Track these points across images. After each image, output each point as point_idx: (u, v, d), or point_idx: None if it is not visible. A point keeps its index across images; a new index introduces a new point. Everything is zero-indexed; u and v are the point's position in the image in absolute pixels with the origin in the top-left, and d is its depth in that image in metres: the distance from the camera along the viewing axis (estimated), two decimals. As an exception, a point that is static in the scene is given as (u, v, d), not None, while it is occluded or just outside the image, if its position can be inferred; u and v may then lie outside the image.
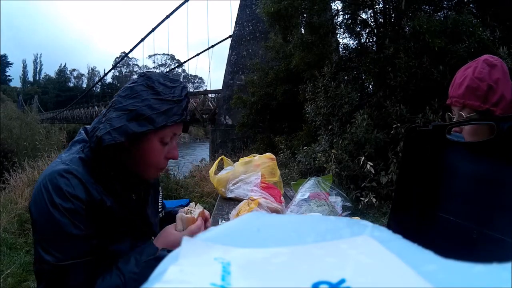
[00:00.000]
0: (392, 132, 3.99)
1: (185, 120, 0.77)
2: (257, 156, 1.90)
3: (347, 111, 4.60)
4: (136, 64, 53.55)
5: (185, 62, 39.71)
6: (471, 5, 4.88)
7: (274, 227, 0.28)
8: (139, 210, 0.80)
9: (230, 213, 1.47)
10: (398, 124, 3.94)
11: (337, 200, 1.51)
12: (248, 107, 7.72)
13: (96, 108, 25.57)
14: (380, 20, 5.32)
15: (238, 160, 1.95)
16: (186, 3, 22.31)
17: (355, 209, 3.47)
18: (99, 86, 52.82)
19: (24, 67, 64.19)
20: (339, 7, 5.64)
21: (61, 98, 53.54)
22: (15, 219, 3.48)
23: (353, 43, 5.76)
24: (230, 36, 13.80)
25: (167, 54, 53.61)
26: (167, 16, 25.40)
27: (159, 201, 0.94)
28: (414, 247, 0.23)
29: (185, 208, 0.84)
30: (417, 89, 4.17)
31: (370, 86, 5.46)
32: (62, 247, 0.65)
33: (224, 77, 12.08)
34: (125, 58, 46.09)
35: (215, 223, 1.42)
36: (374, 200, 3.70)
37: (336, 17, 5.68)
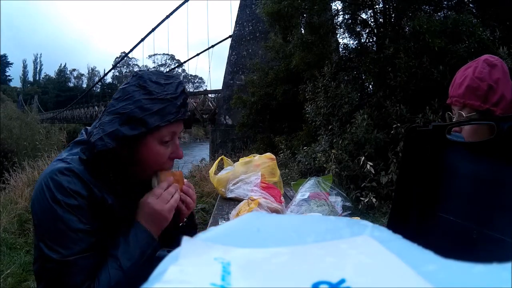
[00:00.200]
0: (392, 132, 3.98)
1: (182, 118, 0.73)
2: (257, 156, 1.90)
3: (347, 111, 4.60)
4: (136, 64, 53.56)
5: (185, 62, 39.70)
6: (471, 5, 4.89)
7: (274, 227, 0.28)
8: None
9: (230, 213, 1.47)
10: (398, 124, 3.94)
11: (337, 200, 1.50)
12: (248, 107, 7.72)
13: (96, 108, 25.58)
14: (380, 20, 5.32)
15: (238, 160, 1.95)
16: (186, 3, 22.37)
17: (355, 209, 3.46)
18: (99, 86, 52.84)
19: (24, 67, 64.35)
20: (339, 7, 5.64)
21: (61, 98, 53.53)
22: (15, 219, 3.48)
23: (353, 43, 5.77)
24: (230, 36, 13.81)
25: (167, 54, 53.70)
26: (167, 16, 25.45)
27: None
28: (414, 247, 0.23)
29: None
30: (417, 89, 4.18)
31: (370, 86, 5.46)
32: (66, 242, 0.65)
33: (224, 77, 12.09)
34: (125, 58, 46.12)
35: (215, 223, 1.42)
36: (374, 200, 3.70)
37: (336, 17, 5.68)
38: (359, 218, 1.16)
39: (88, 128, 0.77)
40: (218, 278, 0.19)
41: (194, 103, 13.71)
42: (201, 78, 55.11)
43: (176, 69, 45.59)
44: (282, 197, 1.54)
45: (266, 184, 1.61)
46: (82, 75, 64.69)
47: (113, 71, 48.45)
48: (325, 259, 0.22)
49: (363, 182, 3.95)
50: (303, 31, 5.62)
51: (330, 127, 4.69)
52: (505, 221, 0.64)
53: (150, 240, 0.72)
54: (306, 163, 4.69)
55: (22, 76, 63.39)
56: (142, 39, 28.05)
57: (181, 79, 0.77)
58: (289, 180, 3.96)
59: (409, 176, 0.85)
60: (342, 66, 5.61)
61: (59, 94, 56.40)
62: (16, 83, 61.65)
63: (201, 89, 34.84)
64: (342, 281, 0.19)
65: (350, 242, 0.24)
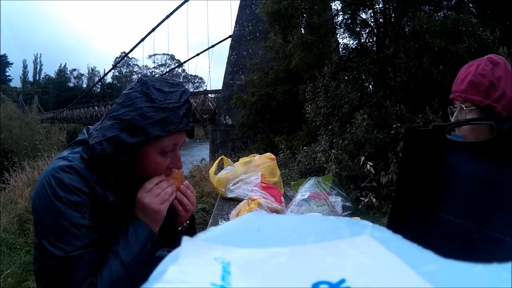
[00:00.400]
0: (392, 132, 3.99)
1: (184, 129, 0.72)
2: (257, 156, 1.90)
3: (347, 111, 4.60)
4: (136, 64, 53.58)
5: (185, 62, 39.63)
6: (471, 5, 4.89)
7: (274, 227, 0.28)
8: None
9: (230, 213, 1.47)
10: (398, 124, 3.94)
11: (337, 200, 1.50)
12: (248, 107, 7.72)
13: (96, 108, 25.57)
14: (380, 20, 5.32)
15: (238, 160, 1.95)
16: (186, 3, 22.34)
17: (355, 209, 3.46)
18: (99, 86, 52.71)
19: (24, 67, 64.29)
20: (339, 7, 5.64)
21: (61, 98, 53.48)
22: (15, 219, 3.48)
23: (353, 43, 5.77)
24: (230, 36, 13.80)
25: (167, 54, 53.67)
26: (167, 16, 25.42)
27: None
28: (414, 247, 0.23)
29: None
30: (417, 89, 4.18)
31: (370, 86, 5.46)
32: (69, 238, 0.65)
33: (224, 77, 12.08)
34: (125, 58, 46.02)
35: (215, 223, 1.42)
36: (374, 200, 3.70)
37: (336, 17, 5.69)
38: (359, 218, 1.16)
39: (90, 127, 0.77)
40: (218, 278, 0.19)
41: (194, 103, 13.70)
42: (201, 78, 55.13)
43: (176, 69, 45.68)
44: (282, 197, 1.54)
45: (266, 184, 1.61)
46: (82, 75, 64.77)
47: (113, 71, 48.38)
48: (325, 259, 0.22)
49: (363, 182, 3.95)
50: (303, 31, 5.62)
51: (330, 127, 4.69)
52: (505, 221, 0.64)
53: (149, 234, 0.72)
54: (306, 163, 4.69)
55: (22, 76, 63.44)
56: (142, 39, 28.04)
57: (185, 87, 0.75)
58: (289, 180, 3.96)
59: (409, 176, 0.85)
60: (342, 66, 5.61)
61: (59, 94, 56.36)
62: (16, 83, 61.76)
63: (201, 89, 34.85)
64: (342, 281, 0.19)
65: (350, 242, 0.24)
